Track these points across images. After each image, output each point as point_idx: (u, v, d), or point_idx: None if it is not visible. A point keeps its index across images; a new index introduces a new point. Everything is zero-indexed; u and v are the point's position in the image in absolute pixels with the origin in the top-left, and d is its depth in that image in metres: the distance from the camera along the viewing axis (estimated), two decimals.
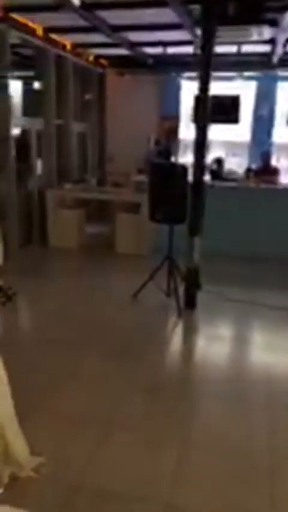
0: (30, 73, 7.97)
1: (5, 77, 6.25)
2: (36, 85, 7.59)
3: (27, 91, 8.74)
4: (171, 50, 7.42)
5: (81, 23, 5.91)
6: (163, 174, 4.89)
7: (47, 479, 2.45)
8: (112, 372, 3.63)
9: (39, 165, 7.55)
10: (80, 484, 2.44)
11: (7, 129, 6.40)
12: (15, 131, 6.75)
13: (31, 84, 8.19)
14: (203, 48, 4.44)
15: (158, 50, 7.52)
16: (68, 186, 7.48)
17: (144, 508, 2.32)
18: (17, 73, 7.55)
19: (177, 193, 4.69)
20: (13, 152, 6.50)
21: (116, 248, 7.09)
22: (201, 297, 4.95)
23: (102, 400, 3.22)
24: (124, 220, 7.04)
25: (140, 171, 8.15)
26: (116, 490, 2.41)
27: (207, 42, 4.41)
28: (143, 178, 7.61)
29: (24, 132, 7.22)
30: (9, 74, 6.29)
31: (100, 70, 9.16)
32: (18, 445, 2.43)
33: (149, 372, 3.70)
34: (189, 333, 4.68)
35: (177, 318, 4.76)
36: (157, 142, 9.18)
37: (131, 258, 6.88)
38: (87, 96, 9.09)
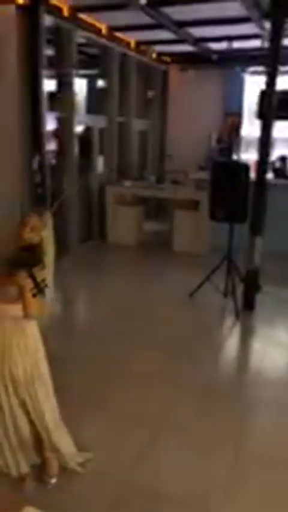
0: (94, 71, 8.13)
1: (71, 76, 6.41)
2: (100, 83, 7.70)
3: (91, 89, 8.92)
4: (236, 45, 7.23)
5: (146, 20, 5.91)
6: (225, 172, 4.78)
7: (96, 475, 2.47)
8: (165, 372, 3.61)
9: (100, 162, 7.68)
10: (129, 482, 2.44)
11: (71, 127, 6.56)
12: (79, 128, 6.91)
13: (95, 82, 8.35)
14: (271, 41, 4.28)
15: (222, 45, 7.36)
16: (127, 183, 7.54)
17: None
18: (81, 71, 7.73)
19: (239, 192, 4.56)
20: (76, 149, 6.66)
21: (174, 246, 7.05)
22: (260, 298, 4.80)
23: (154, 400, 3.20)
24: (182, 218, 6.98)
25: (200, 169, 8.04)
26: (165, 492, 2.38)
27: (276, 35, 4.25)
28: (203, 175, 7.51)
29: (87, 130, 7.37)
30: (74, 73, 6.44)
31: (163, 67, 9.13)
32: (61, 437, 2.44)
33: (204, 374, 3.63)
34: (247, 336, 4.55)
35: (235, 320, 4.64)
36: (219, 140, 9.01)
37: (189, 257, 6.81)
38: (150, 94, 9.10)
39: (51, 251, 2.24)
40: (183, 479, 2.48)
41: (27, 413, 2.31)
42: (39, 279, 2.15)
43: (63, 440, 2.45)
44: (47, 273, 2.23)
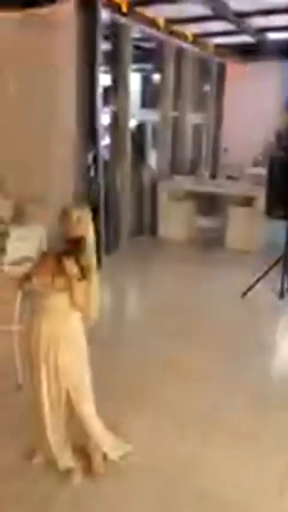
0: (149, 66, 8.08)
1: (126, 71, 6.40)
2: (155, 77, 7.64)
3: (145, 83, 8.90)
4: None
5: (204, 11, 5.77)
6: (283, 168, 4.59)
7: (144, 471, 2.45)
8: (216, 371, 3.52)
9: (153, 157, 7.64)
10: (177, 480, 2.40)
11: (125, 121, 6.56)
12: (132, 123, 6.90)
13: (149, 76, 8.31)
14: None
15: (283, 35, 7.08)
16: (180, 178, 7.46)
17: None
18: (136, 66, 7.71)
19: None
20: (129, 144, 6.66)
21: (226, 243, 6.90)
22: None
23: (204, 399, 3.14)
24: (236, 215, 6.81)
25: (256, 164, 7.80)
26: (215, 493, 2.33)
27: None
28: (259, 171, 7.28)
29: (140, 124, 7.35)
30: (130, 68, 6.43)
31: (220, 59, 8.93)
32: (99, 428, 2.45)
33: (256, 376, 3.51)
34: None
35: None
36: (278, 135, 8.70)
37: (242, 254, 6.63)
38: (206, 87, 8.93)
39: (92, 243, 2.27)
40: (234, 482, 2.42)
41: (69, 402, 2.34)
42: (86, 269, 2.18)
43: (101, 431, 2.46)
44: (92, 263, 2.25)
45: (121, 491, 2.32)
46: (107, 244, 6.13)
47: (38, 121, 5.60)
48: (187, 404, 3.08)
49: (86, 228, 2.24)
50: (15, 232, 4.47)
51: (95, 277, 2.25)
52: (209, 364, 3.65)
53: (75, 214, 2.22)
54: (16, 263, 4.64)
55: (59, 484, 2.36)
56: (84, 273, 2.17)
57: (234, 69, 9.07)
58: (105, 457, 2.47)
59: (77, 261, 2.15)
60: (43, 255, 2.37)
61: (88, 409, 2.39)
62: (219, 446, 2.69)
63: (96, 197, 5.80)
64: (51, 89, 5.40)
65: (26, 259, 4.76)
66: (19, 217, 5.46)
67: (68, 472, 2.40)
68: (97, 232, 2.51)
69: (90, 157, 5.92)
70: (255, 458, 2.60)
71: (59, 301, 2.22)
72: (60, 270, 2.16)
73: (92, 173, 6.02)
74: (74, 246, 2.18)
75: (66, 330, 2.27)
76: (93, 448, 2.45)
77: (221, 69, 9.13)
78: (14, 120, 5.69)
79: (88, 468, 2.43)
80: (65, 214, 2.24)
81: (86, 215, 2.26)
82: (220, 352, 3.82)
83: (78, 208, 2.28)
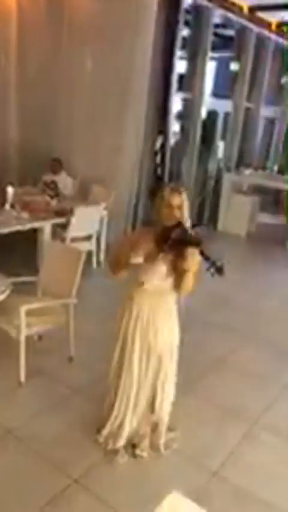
0: (226, 54, 7.87)
1: (204, 58, 6.28)
2: (233, 66, 7.43)
3: (220, 72, 8.69)
4: None
5: None
6: None
7: (186, 460, 2.43)
8: (270, 370, 3.42)
9: (221, 148, 7.48)
10: (219, 475, 2.36)
11: (197, 110, 6.46)
12: (204, 112, 6.78)
13: (224, 65, 8.10)
14: None
15: None
16: (246, 171, 7.25)
17: None
18: (213, 53, 7.54)
19: None
20: (199, 132, 6.55)
21: None
22: None
23: (255, 397, 3.06)
24: None
25: None
26: (256, 493, 2.26)
27: None
28: None
29: (211, 114, 7.21)
30: (208, 55, 6.29)
31: None
32: (167, 412, 2.46)
33: None
34: None
35: None
36: None
37: None
38: (284, 79, 8.58)
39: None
40: (274, 482, 2.35)
41: (155, 382, 2.37)
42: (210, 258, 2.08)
43: (165, 419, 2.46)
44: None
45: (160, 478, 2.31)
46: None
47: (109, 102, 5.62)
48: (237, 400, 3.01)
49: (185, 216, 2.18)
50: (79, 210, 4.56)
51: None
52: (261, 361, 3.54)
53: (177, 199, 2.16)
54: (78, 239, 4.75)
55: (105, 461, 2.38)
56: (216, 267, 2.07)
57: None
58: (156, 441, 2.47)
59: (200, 251, 2.06)
60: (141, 234, 2.32)
61: (170, 390, 2.43)
62: (263, 446, 2.61)
63: (160, 183, 5.77)
64: (126, 70, 5.39)
65: (87, 236, 4.87)
66: (83, 196, 5.56)
67: (115, 452, 2.42)
68: None
69: (158, 143, 5.90)
70: None
71: (160, 283, 2.22)
72: (185, 258, 2.10)
73: (158, 159, 6.00)
74: (182, 234, 2.08)
75: (165, 312, 2.31)
76: (148, 430, 2.45)
77: None
78: (86, 100, 5.75)
79: (134, 449, 2.44)
80: (165, 198, 2.18)
81: (186, 201, 2.20)
82: (275, 353, 3.69)
83: (179, 194, 2.19)
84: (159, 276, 2.20)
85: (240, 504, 2.21)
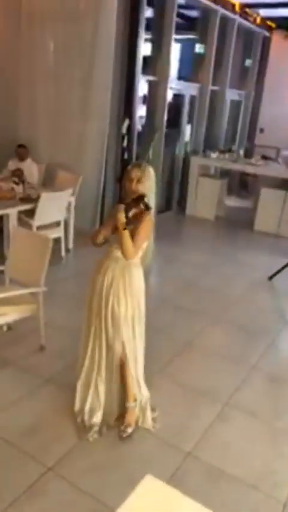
0: (190, 36, 7.80)
1: (168, 40, 6.19)
2: (197, 48, 7.38)
3: (184, 54, 8.62)
4: None
5: None
6: None
7: (162, 443, 2.47)
8: (238, 351, 3.49)
9: (187, 131, 7.46)
10: (193, 455, 2.41)
11: (162, 93, 6.40)
12: (169, 95, 6.72)
13: (189, 47, 8.03)
14: None
15: None
16: (213, 155, 7.28)
17: (257, 497, 2.19)
18: (177, 36, 7.45)
19: None
20: (165, 116, 6.50)
21: (255, 225, 6.76)
22: None
23: (225, 378, 3.12)
24: (269, 197, 6.63)
25: None
26: (228, 470, 2.32)
27: None
28: None
29: (178, 96, 7.16)
30: (172, 37, 6.21)
31: (266, 33, 8.56)
32: (144, 384, 2.54)
33: (278, 359, 3.47)
34: None
35: None
36: None
37: (271, 238, 6.51)
38: (248, 62, 8.61)
39: (154, 199, 2.32)
40: (245, 459, 2.42)
41: (123, 350, 2.40)
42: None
43: (145, 387, 2.53)
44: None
45: (138, 459, 2.33)
46: None
47: (74, 86, 5.50)
48: (207, 381, 3.06)
49: (146, 187, 2.27)
50: (45, 197, 4.47)
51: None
52: (231, 345, 3.61)
53: (136, 173, 2.26)
54: (45, 226, 4.67)
55: (80, 447, 2.39)
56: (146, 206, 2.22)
57: (280, 45, 8.69)
58: (141, 416, 2.55)
59: (127, 211, 2.20)
60: (114, 209, 2.39)
61: (135, 366, 2.46)
62: (235, 425, 2.67)
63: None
64: (89, 53, 5.27)
65: (55, 222, 4.80)
66: (50, 182, 5.45)
67: (90, 427, 2.45)
68: None
69: (125, 126, 5.82)
70: (272, 443, 2.57)
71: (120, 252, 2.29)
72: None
73: (125, 143, 5.93)
74: (135, 202, 2.23)
75: (127, 282, 2.33)
76: (131, 405, 2.49)
77: (266, 44, 8.76)
78: (50, 85, 5.62)
79: (118, 426, 2.49)
80: (127, 173, 2.29)
81: (147, 174, 2.28)
82: (243, 335, 3.77)
83: (137, 167, 2.29)
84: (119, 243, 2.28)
85: (213, 481, 2.26)
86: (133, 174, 2.26)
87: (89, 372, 2.48)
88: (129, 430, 2.47)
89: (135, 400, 2.51)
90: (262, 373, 3.23)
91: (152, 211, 2.29)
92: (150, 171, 2.31)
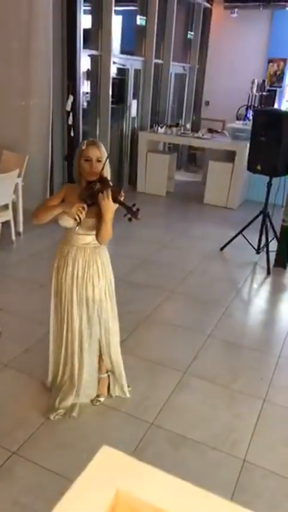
0: (132, 7, 7.63)
1: (108, 11, 6.03)
2: (138, 20, 7.24)
3: (127, 27, 8.42)
4: None
5: None
6: (267, 122, 4.50)
7: (127, 415, 2.53)
8: (193, 321, 3.60)
9: (134, 106, 7.38)
10: (155, 424, 2.49)
11: (106, 67, 6.26)
12: (113, 70, 6.59)
13: (131, 19, 7.86)
14: None
15: None
16: (161, 129, 7.27)
17: (218, 457, 2.30)
18: (118, 8, 7.27)
19: (281, 143, 4.32)
20: (110, 92, 6.39)
21: (205, 198, 6.87)
22: None
23: (182, 348, 3.21)
24: (216, 169, 6.74)
25: (239, 118, 7.66)
26: (187, 435, 2.43)
27: None
28: (241, 125, 7.18)
29: (121, 71, 7.04)
30: (112, 9, 6.05)
31: (206, 5, 8.52)
32: (119, 359, 2.60)
33: (232, 326, 3.61)
34: (277, 292, 4.47)
35: (266, 276, 4.55)
36: (261, 87, 8.51)
37: (221, 210, 6.65)
38: (190, 34, 8.57)
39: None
40: (204, 424, 2.53)
41: (97, 329, 2.45)
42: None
43: (120, 361, 2.60)
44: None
45: (103, 431, 2.38)
46: None
47: (12, 61, 5.27)
48: (165, 352, 3.14)
49: (106, 168, 2.17)
50: None
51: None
52: (186, 313, 3.72)
53: (95, 152, 2.14)
54: None
55: (44, 429, 2.40)
56: (132, 212, 2.11)
57: (220, 17, 8.70)
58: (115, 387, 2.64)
59: (95, 195, 2.11)
60: (67, 189, 2.29)
61: (117, 342, 2.54)
62: (195, 393, 2.78)
63: (75, 145, 5.60)
64: (27, 26, 5.05)
65: (3, 206, 4.65)
66: None
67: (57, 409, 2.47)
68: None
69: (69, 103, 5.67)
70: (230, 405, 2.70)
71: (92, 237, 2.25)
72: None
73: (70, 120, 5.79)
74: (102, 184, 2.11)
75: (100, 264, 2.33)
76: (104, 376, 2.58)
77: (207, 16, 8.74)
78: None
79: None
80: (82, 152, 2.16)
81: (104, 152, 2.19)
82: (197, 305, 3.88)
83: (94, 145, 2.16)
84: (87, 229, 2.23)
85: (173, 447, 2.35)
86: (91, 153, 2.14)
87: (64, 363, 2.50)
88: (102, 399, 2.59)
89: (107, 371, 2.59)
90: (217, 340, 3.36)
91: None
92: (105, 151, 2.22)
